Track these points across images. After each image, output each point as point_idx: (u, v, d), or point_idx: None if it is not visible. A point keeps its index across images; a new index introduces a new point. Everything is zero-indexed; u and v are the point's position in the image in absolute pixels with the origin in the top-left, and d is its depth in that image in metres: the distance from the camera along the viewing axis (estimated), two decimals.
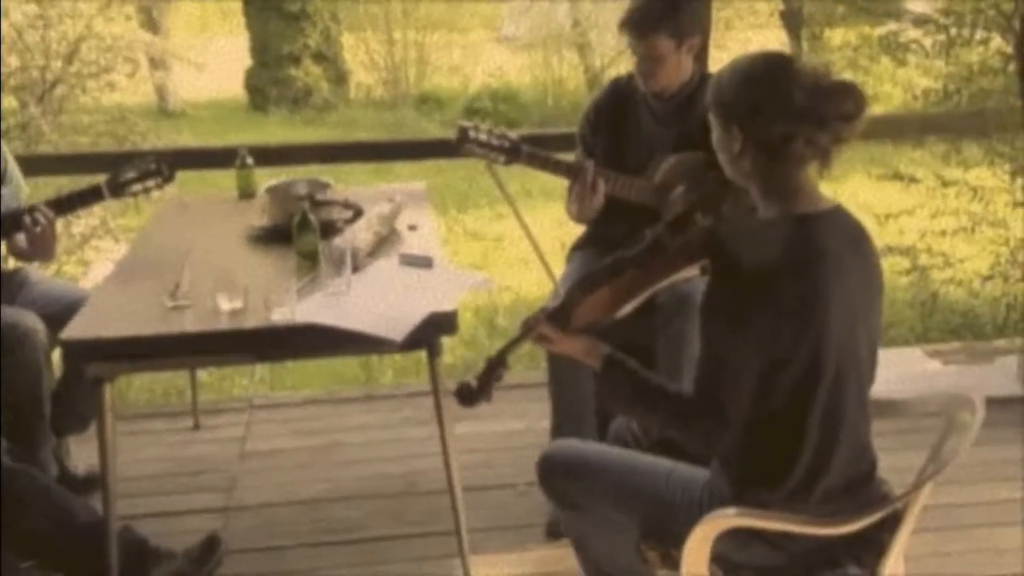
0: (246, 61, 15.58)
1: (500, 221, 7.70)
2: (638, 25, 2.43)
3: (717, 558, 1.64)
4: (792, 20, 12.77)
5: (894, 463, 1.78)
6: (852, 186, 6.38)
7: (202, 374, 3.41)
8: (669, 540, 1.70)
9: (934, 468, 1.65)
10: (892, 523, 1.64)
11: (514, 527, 2.55)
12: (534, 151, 2.54)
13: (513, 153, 2.52)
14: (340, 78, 16.28)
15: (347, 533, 2.60)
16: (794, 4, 12.48)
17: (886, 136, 4.41)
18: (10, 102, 5.34)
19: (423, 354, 2.17)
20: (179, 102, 13.41)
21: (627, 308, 1.75)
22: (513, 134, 2.54)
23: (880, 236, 4.96)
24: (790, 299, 1.53)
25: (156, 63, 11.46)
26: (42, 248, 2.59)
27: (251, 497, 2.79)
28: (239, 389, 4.35)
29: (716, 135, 1.64)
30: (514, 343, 1.76)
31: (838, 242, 1.58)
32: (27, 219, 2.44)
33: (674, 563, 1.68)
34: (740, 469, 1.66)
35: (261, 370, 4.62)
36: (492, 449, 2.97)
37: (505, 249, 7.18)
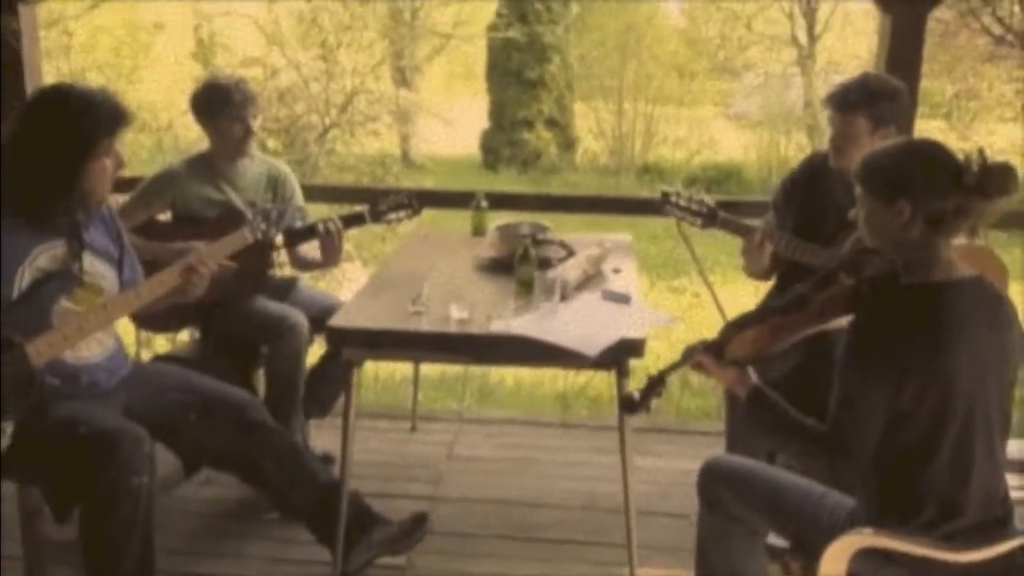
0: (483, 122, 16.62)
1: (703, 284, 7.92)
2: (839, 101, 2.63)
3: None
4: None
5: None
6: None
7: (420, 392, 3.86)
8: (812, 555, 1.89)
9: None
10: None
11: (681, 550, 2.72)
12: (727, 217, 2.82)
13: (709, 218, 2.82)
14: (569, 144, 16.97)
15: (531, 532, 2.93)
16: None
17: None
18: (286, 141, 6.21)
19: (614, 396, 2.44)
20: (420, 155, 14.53)
21: (774, 350, 1.99)
22: (711, 201, 2.83)
23: None
24: (918, 359, 1.71)
25: (405, 118, 12.56)
26: (332, 253, 3.06)
27: (453, 492, 3.19)
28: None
29: (870, 209, 1.81)
30: (675, 366, 2.02)
31: (972, 308, 1.75)
32: (321, 227, 2.94)
33: None
34: (876, 503, 1.84)
35: (470, 397, 5.10)
36: (670, 483, 3.21)
37: (704, 306, 7.36)
